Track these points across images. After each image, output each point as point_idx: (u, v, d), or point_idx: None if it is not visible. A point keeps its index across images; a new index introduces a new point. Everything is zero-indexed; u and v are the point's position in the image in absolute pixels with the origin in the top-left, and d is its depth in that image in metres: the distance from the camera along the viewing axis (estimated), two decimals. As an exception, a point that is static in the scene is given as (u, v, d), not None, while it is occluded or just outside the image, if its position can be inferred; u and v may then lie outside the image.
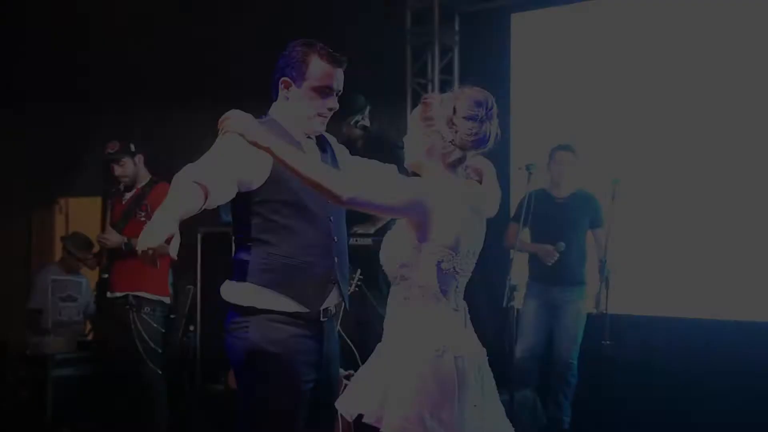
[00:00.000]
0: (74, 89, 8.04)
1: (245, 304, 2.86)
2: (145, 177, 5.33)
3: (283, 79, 2.94)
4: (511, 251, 5.18)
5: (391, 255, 2.68)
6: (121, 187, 5.38)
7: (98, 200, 8.08)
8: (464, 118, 2.61)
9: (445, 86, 6.79)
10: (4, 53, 7.58)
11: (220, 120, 2.68)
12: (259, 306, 2.84)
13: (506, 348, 5.64)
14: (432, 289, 2.65)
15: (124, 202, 5.32)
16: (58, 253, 8.32)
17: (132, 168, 5.26)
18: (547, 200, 5.66)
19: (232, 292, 2.91)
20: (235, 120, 2.64)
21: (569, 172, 5.66)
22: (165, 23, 7.33)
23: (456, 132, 2.61)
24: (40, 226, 8.48)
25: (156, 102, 7.67)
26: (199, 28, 7.11)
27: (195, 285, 6.27)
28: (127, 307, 5.07)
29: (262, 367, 2.83)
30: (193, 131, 7.08)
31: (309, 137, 2.99)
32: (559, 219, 5.63)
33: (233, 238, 2.98)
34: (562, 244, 5.48)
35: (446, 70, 6.89)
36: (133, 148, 5.26)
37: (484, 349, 2.75)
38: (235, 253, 2.95)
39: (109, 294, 5.22)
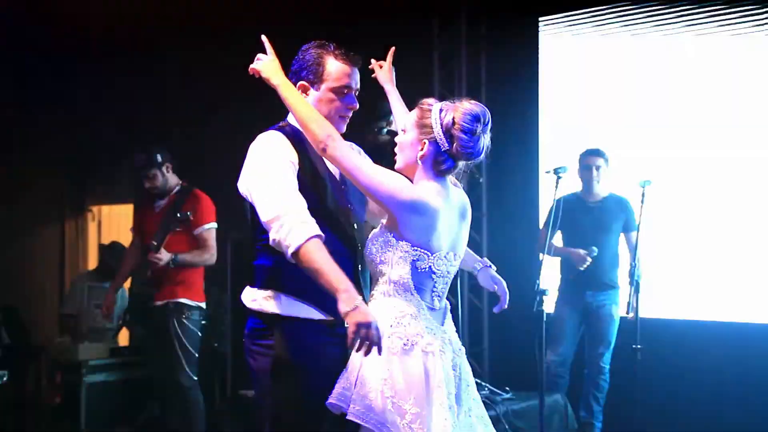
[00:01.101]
0: (108, 98, 8.15)
1: (268, 311, 2.84)
2: (175, 184, 5.33)
3: (300, 83, 2.92)
4: (542, 255, 5.16)
5: (372, 252, 2.75)
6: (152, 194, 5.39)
7: (130, 208, 8.19)
8: (462, 131, 2.67)
9: (471, 93, 6.71)
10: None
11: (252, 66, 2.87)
12: (283, 313, 2.82)
13: (537, 353, 5.67)
14: (406, 286, 2.73)
15: (157, 211, 5.29)
16: (92, 261, 8.45)
17: (161, 178, 5.25)
18: (578, 205, 5.67)
19: (255, 298, 2.89)
20: (260, 62, 2.87)
21: (600, 177, 5.62)
22: (193, 30, 7.34)
23: (453, 143, 2.68)
24: (73, 234, 8.55)
25: (188, 108, 7.75)
26: (225, 36, 7.12)
27: (225, 291, 6.30)
28: (167, 314, 5.07)
29: (287, 375, 2.80)
30: (220, 137, 7.24)
31: None
32: (591, 223, 5.63)
33: (255, 243, 2.95)
34: (594, 249, 5.46)
35: (473, 76, 6.86)
36: (159, 158, 5.24)
37: (463, 348, 2.82)
38: (257, 258, 2.92)
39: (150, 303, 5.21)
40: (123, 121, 8.23)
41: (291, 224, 2.63)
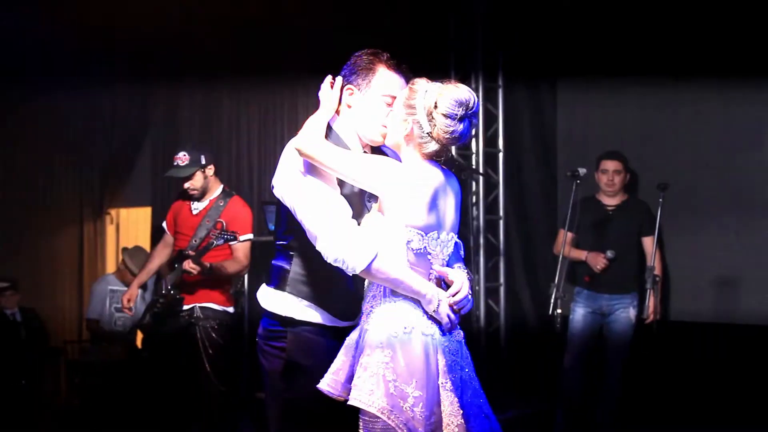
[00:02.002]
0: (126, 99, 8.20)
1: (283, 313, 2.88)
2: (215, 187, 5.18)
3: (347, 86, 2.93)
4: (558, 258, 5.13)
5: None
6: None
7: (148, 210, 8.24)
8: (443, 114, 2.67)
9: (491, 93, 6.74)
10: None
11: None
12: (297, 317, 2.86)
13: (552, 356, 5.66)
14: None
15: (194, 213, 5.14)
16: (110, 264, 8.50)
17: (201, 180, 5.09)
18: (596, 208, 5.66)
19: (270, 299, 2.93)
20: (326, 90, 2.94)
21: (619, 180, 5.60)
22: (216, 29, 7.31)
23: (434, 126, 2.69)
24: (92, 236, 8.57)
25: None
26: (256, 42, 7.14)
27: (243, 293, 6.29)
28: (192, 320, 4.97)
29: (298, 378, 2.83)
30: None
31: (365, 151, 2.98)
32: (608, 226, 5.61)
33: (276, 243, 2.98)
34: (611, 251, 5.43)
35: (491, 75, 6.76)
36: (203, 160, 5.06)
37: (462, 332, 2.82)
38: (275, 258, 2.96)
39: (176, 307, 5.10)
40: (140, 124, 8.30)
41: (350, 240, 2.66)
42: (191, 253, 4.91)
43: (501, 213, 6.75)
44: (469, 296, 2.78)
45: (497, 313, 6.70)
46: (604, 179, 5.62)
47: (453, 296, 2.73)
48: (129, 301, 5.29)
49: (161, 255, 5.36)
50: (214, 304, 5.02)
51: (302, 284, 2.86)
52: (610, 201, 5.66)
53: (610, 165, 5.61)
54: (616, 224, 5.61)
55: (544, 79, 6.79)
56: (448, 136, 2.69)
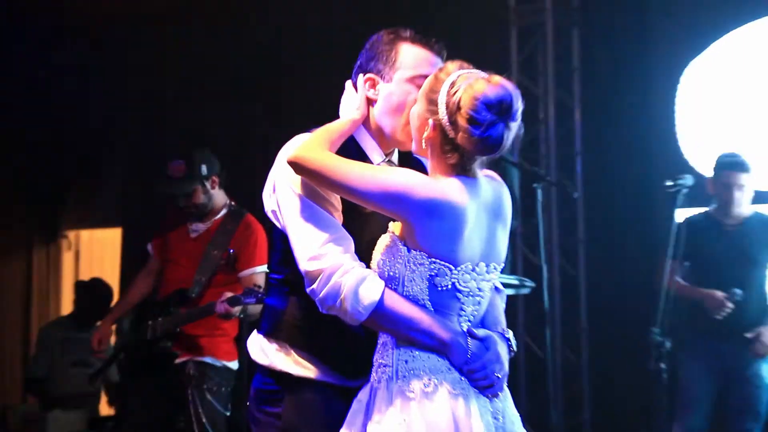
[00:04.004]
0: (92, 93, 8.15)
1: (278, 368, 2.86)
2: (221, 203, 5.14)
3: (367, 76, 2.90)
4: (660, 296, 5.00)
5: (379, 267, 2.72)
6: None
7: (117, 233, 8.17)
8: (467, 119, 2.61)
9: (560, 81, 6.72)
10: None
11: None
12: (296, 373, 2.84)
13: (654, 422, 5.50)
14: None
15: (193, 237, 5.14)
16: (66, 303, 8.43)
17: (203, 196, 5.05)
18: (712, 228, 5.52)
19: (262, 350, 2.92)
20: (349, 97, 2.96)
21: (744, 195, 5.44)
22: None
23: (457, 132, 2.62)
24: (43, 265, 8.54)
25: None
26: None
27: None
28: (184, 377, 4.91)
29: None
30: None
31: (390, 160, 2.98)
32: (729, 253, 5.45)
33: (268, 276, 3.04)
34: (738, 292, 5.27)
35: (562, 58, 6.75)
36: (204, 169, 5.04)
37: (507, 392, 2.77)
38: (269, 295, 3.00)
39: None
40: (107, 124, 8.22)
41: (349, 282, 2.64)
42: (192, 294, 4.91)
43: (581, 235, 6.69)
44: (497, 372, 2.71)
45: (576, 366, 6.65)
46: (727, 195, 5.43)
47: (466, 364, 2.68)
48: (100, 343, 5.23)
49: (144, 285, 5.30)
50: (213, 358, 4.96)
51: (301, 330, 2.85)
52: (731, 219, 5.49)
53: (739, 179, 5.42)
54: (739, 250, 5.45)
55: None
56: (473, 146, 2.63)
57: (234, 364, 5.03)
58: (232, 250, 4.94)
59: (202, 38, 7.45)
